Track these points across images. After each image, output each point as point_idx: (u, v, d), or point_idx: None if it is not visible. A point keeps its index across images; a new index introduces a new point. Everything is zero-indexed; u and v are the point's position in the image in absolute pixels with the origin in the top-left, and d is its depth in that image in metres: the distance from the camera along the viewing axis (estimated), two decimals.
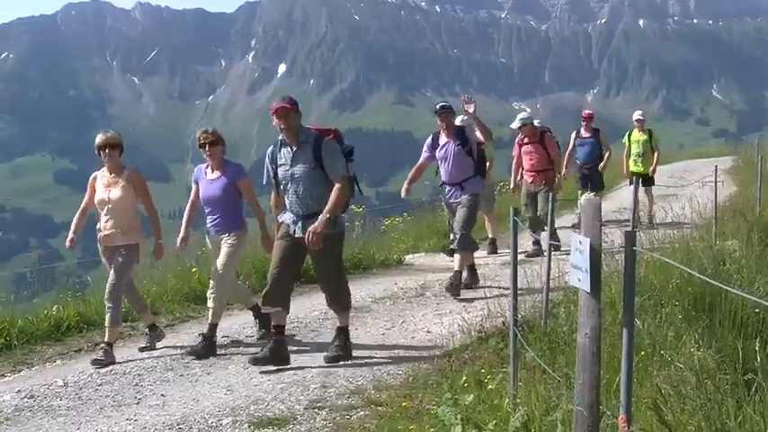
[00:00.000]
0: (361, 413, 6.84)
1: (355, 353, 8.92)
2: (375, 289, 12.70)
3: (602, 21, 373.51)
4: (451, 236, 12.70)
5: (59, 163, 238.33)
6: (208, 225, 9.71)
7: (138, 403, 7.45)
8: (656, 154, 18.45)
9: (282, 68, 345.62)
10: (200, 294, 11.91)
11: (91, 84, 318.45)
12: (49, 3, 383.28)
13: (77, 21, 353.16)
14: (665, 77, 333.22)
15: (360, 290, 12.68)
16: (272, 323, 8.66)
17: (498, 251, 15.56)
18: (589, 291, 4.00)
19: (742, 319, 6.85)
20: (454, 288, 11.56)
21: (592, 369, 4.05)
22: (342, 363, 8.50)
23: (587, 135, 17.84)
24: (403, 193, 12.46)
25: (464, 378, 6.71)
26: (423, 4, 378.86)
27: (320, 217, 8.19)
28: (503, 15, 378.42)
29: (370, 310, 11.11)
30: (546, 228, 13.47)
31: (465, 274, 12.11)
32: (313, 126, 8.86)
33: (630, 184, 15.88)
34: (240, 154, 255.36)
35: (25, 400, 7.62)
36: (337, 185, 8.34)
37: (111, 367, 8.63)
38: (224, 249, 9.42)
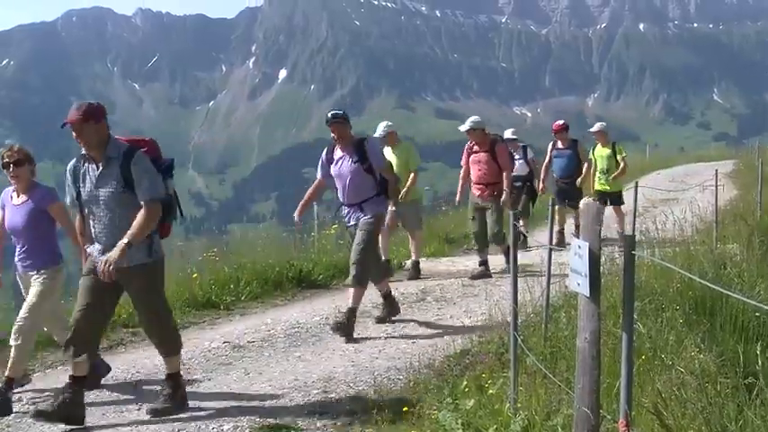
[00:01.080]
0: (362, 418, 6.84)
1: (356, 358, 8.92)
2: (376, 294, 12.66)
3: (603, 25, 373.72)
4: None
5: (60, 169, 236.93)
6: (16, 259, 8.23)
7: (139, 409, 7.45)
8: (621, 167, 16.71)
9: (283, 74, 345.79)
10: (201, 300, 11.96)
11: (92, 90, 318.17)
12: (50, 9, 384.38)
13: (78, 27, 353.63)
14: (666, 81, 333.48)
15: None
16: (71, 373, 7.09)
17: (421, 276, 14.07)
18: (588, 295, 4.00)
19: (743, 323, 6.84)
20: (344, 328, 9.82)
21: (592, 373, 4.05)
22: (341, 368, 8.48)
23: (564, 147, 16.83)
24: (296, 217, 10.92)
25: (465, 383, 6.72)
26: (423, 8, 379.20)
27: (118, 243, 6.74)
28: (503, 20, 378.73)
29: (371, 315, 11.09)
30: (498, 244, 13.73)
31: (382, 305, 10.91)
32: (124, 138, 7.30)
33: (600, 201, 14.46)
34: (241, 160, 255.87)
35: (26, 406, 7.62)
36: (143, 209, 6.86)
37: (111, 373, 8.60)
38: (32, 290, 7.99)
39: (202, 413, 7.19)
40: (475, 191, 13.89)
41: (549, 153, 17.05)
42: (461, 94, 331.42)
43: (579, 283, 4.06)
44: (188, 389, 7.86)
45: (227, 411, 7.21)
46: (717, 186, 14.88)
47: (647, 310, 7.27)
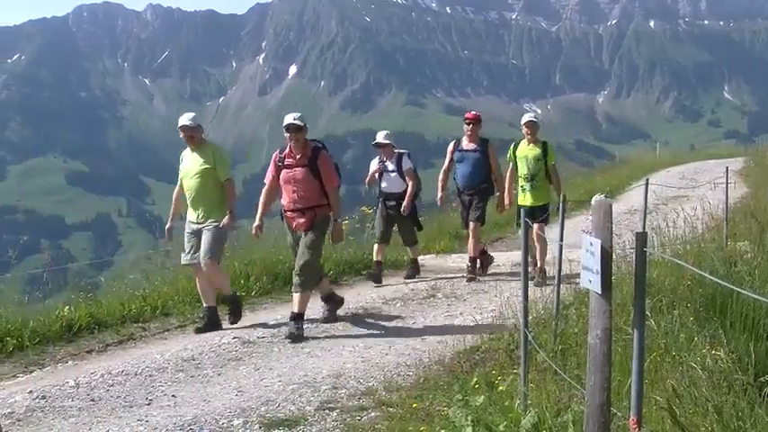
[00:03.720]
0: (372, 414, 6.85)
1: (366, 354, 8.93)
2: (386, 290, 12.72)
3: (613, 22, 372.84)
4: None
5: (71, 164, 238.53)
6: None
7: (149, 404, 7.46)
8: (554, 181, 12.75)
9: (293, 70, 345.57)
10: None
11: (102, 85, 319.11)
12: (61, 4, 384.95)
13: (89, 22, 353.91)
14: (676, 78, 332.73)
15: (370, 291, 12.72)
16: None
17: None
18: (600, 292, 4.00)
19: (754, 320, 6.83)
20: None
21: (602, 370, 4.05)
22: (351, 364, 8.50)
23: (471, 147, 13.18)
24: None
25: (475, 379, 6.71)
26: (433, 5, 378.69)
27: None
28: (513, 16, 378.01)
29: (381, 311, 11.12)
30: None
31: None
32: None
33: (517, 222, 11.12)
34: (251, 155, 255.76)
35: (37, 400, 7.63)
36: None
37: (121, 368, 8.63)
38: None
39: (213, 408, 7.20)
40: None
41: (449, 155, 13.53)
42: (471, 90, 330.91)
43: (591, 280, 4.06)
44: (198, 384, 7.87)
45: (237, 406, 7.22)
46: (727, 184, 14.84)
47: (658, 308, 7.26)
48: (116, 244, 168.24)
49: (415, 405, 6.70)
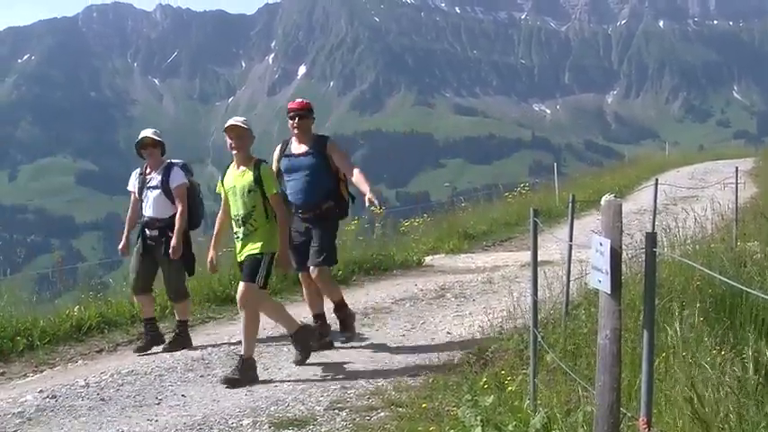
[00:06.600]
0: (381, 414, 6.85)
1: (375, 354, 8.94)
2: (395, 290, 12.72)
3: (622, 22, 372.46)
4: None
5: (81, 164, 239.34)
6: None
7: (158, 404, 7.48)
8: (278, 215, 8.31)
9: (302, 70, 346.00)
10: (220, 295, 11.99)
11: (112, 85, 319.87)
12: (71, 4, 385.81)
13: (98, 22, 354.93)
14: (686, 78, 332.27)
15: (379, 291, 12.73)
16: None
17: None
18: (610, 292, 4.00)
19: (764, 321, 6.82)
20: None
21: (612, 370, 4.05)
22: (362, 364, 8.51)
23: (302, 150, 9.24)
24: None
25: (484, 379, 6.71)
26: (442, 5, 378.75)
27: None
28: (522, 16, 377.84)
29: (390, 311, 11.12)
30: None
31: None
32: None
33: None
34: (260, 155, 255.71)
35: (47, 400, 7.65)
36: None
37: (131, 368, 8.66)
38: None
39: (222, 408, 7.22)
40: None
41: (273, 164, 9.35)
42: (480, 90, 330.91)
43: (600, 281, 4.06)
44: (208, 385, 7.89)
45: (246, 406, 7.23)
46: (737, 184, 14.81)
47: (668, 308, 7.25)
48: None
49: (424, 405, 6.70)
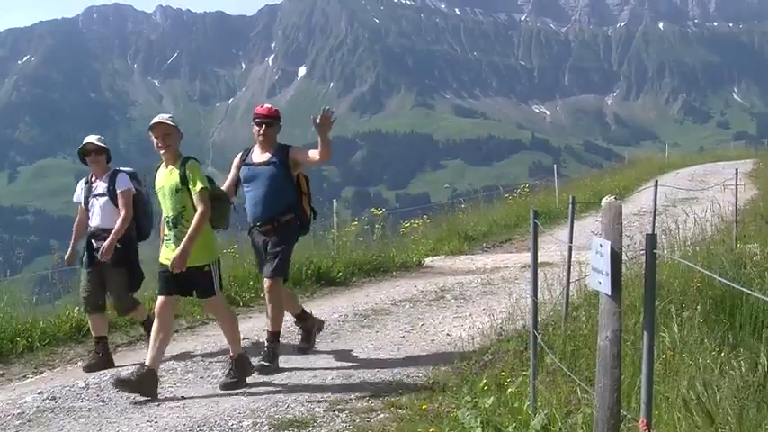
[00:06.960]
0: (381, 415, 6.84)
1: (375, 355, 8.94)
2: (394, 291, 12.72)
3: (622, 23, 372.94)
4: None
5: (81, 165, 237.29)
6: None
7: (158, 405, 7.47)
8: (197, 213, 7.68)
9: (302, 71, 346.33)
10: None
11: (112, 86, 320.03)
12: (71, 6, 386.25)
13: (99, 24, 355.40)
14: (685, 80, 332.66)
15: (379, 292, 12.73)
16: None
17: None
18: (610, 294, 4.00)
19: (763, 322, 6.83)
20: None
21: (612, 372, 4.05)
22: (362, 365, 8.51)
23: (264, 158, 8.75)
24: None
25: (484, 381, 6.71)
26: (442, 6, 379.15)
27: None
28: (522, 18, 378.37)
29: (390, 313, 11.12)
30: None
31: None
32: None
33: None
34: None
35: (47, 401, 7.65)
36: None
37: (131, 369, 8.64)
38: None
39: (222, 409, 7.21)
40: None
41: (232, 171, 9.07)
42: (480, 92, 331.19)
43: (600, 282, 4.06)
44: (208, 386, 7.88)
45: (246, 407, 7.22)
46: (737, 186, 14.81)
47: (668, 310, 7.25)
48: None
49: (424, 406, 6.70)
